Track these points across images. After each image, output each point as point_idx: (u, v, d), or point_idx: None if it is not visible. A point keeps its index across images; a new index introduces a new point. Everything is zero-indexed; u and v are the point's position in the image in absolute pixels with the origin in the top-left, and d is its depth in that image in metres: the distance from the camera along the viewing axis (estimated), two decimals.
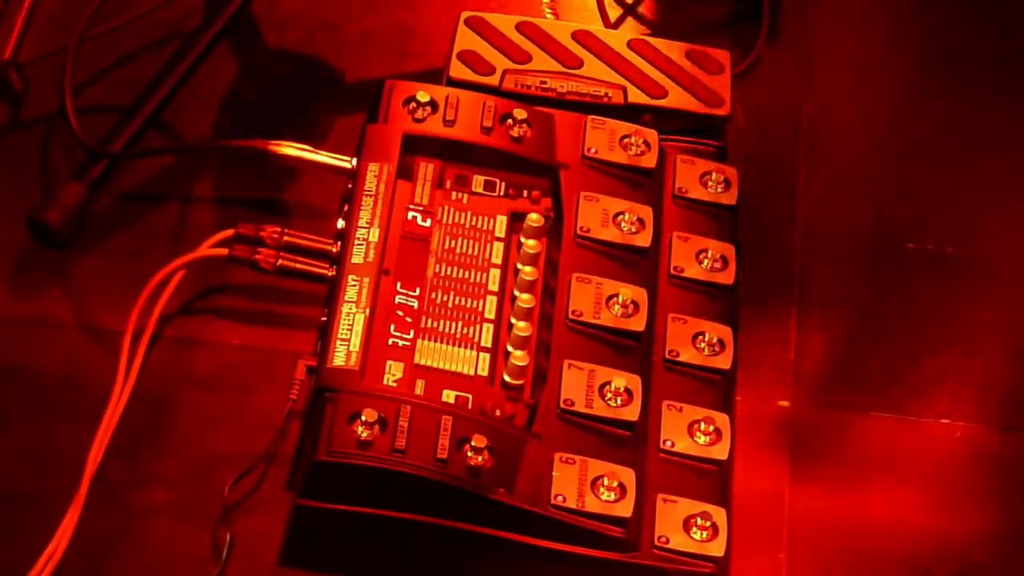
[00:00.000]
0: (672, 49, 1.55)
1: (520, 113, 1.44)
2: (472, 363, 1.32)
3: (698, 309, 1.38)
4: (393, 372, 1.29)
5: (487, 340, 1.33)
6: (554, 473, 1.25)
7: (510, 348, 1.33)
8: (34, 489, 1.32)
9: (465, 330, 1.34)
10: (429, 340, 1.32)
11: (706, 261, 1.39)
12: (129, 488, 1.34)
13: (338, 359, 1.27)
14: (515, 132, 1.43)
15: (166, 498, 1.35)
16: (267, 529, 1.30)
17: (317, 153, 1.45)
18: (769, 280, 1.53)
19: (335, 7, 1.69)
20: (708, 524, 1.24)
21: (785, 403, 1.45)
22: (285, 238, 1.40)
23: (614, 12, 1.66)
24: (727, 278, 1.39)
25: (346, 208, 1.37)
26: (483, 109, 1.44)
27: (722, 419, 1.31)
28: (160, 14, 1.65)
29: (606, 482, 1.25)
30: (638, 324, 1.34)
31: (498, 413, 1.29)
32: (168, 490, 1.35)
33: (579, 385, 1.31)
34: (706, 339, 1.35)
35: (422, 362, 1.31)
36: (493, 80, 1.51)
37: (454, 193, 1.41)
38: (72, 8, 1.64)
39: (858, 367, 1.47)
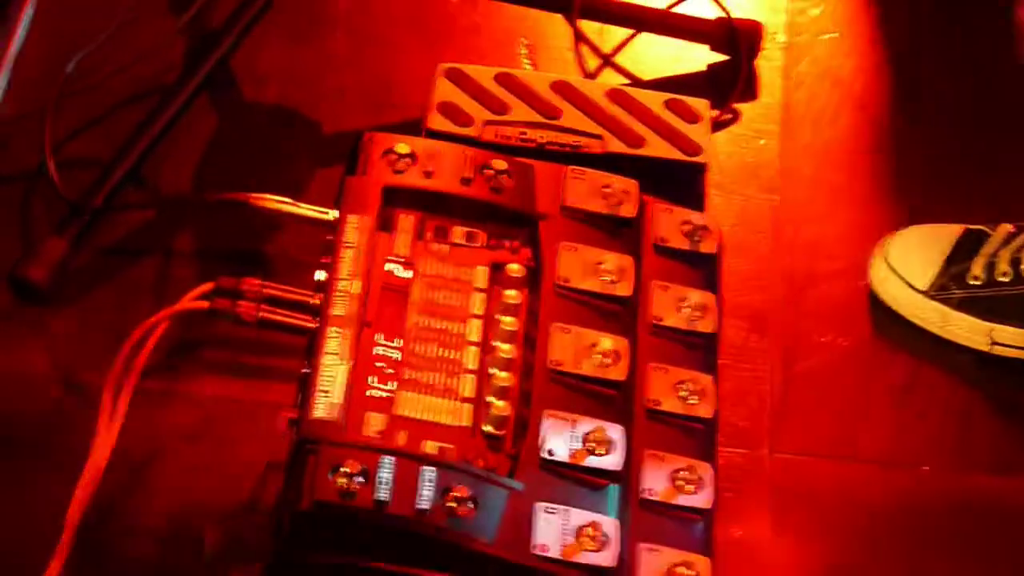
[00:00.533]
0: (650, 99, 1.55)
1: (499, 164, 1.43)
2: (454, 414, 1.31)
3: (679, 358, 1.38)
4: (375, 423, 1.28)
5: (469, 391, 1.32)
6: (536, 523, 1.24)
7: (491, 399, 1.32)
8: (16, 545, 1.31)
9: (447, 381, 1.33)
10: (411, 391, 1.32)
11: (687, 310, 1.39)
12: (112, 541, 1.33)
13: (320, 411, 1.27)
14: (495, 183, 1.43)
15: (150, 551, 1.34)
16: None
17: (297, 206, 1.44)
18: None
19: (312, 61, 1.69)
20: (692, 573, 1.24)
21: (764, 451, 1.46)
22: (266, 290, 1.39)
23: (592, 62, 1.67)
24: (708, 327, 1.39)
25: (327, 260, 1.37)
26: (463, 160, 1.43)
27: (704, 468, 1.31)
28: (138, 68, 1.66)
29: (590, 532, 1.24)
30: (619, 373, 1.34)
31: (480, 463, 1.28)
32: (152, 542, 1.35)
33: (561, 435, 1.30)
34: (688, 388, 1.34)
35: (404, 413, 1.30)
36: (472, 131, 1.51)
37: (434, 244, 1.40)
38: (51, 61, 1.64)
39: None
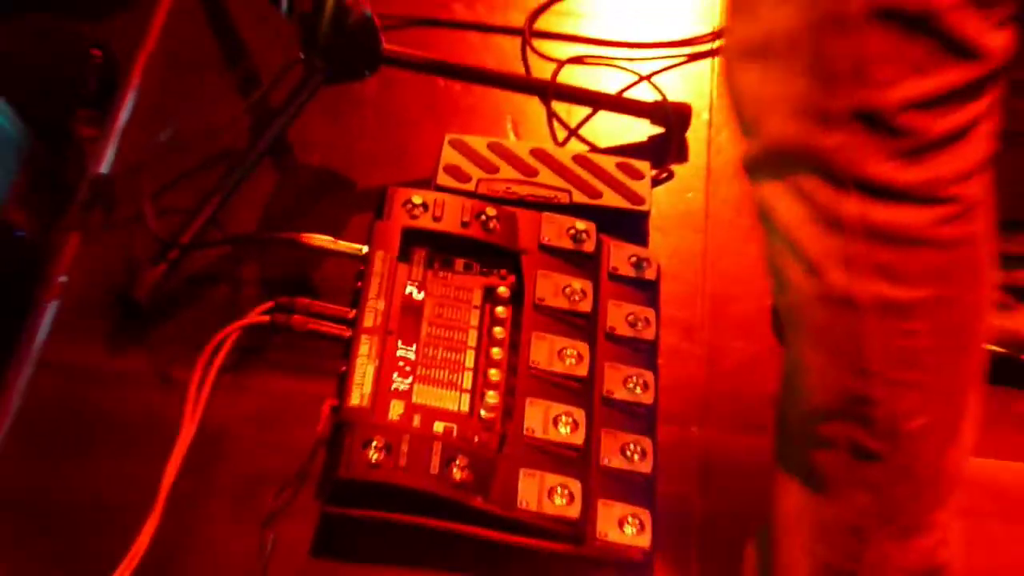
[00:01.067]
0: (605, 161, 1.54)
1: (491, 211, 1.44)
2: (456, 401, 1.32)
3: (628, 358, 1.38)
4: (396, 409, 1.29)
5: (468, 384, 1.33)
6: (519, 484, 1.25)
7: (485, 390, 1.33)
8: (121, 502, 1.30)
9: (451, 376, 1.34)
10: (423, 384, 1.33)
11: (634, 322, 1.39)
12: (195, 501, 1.33)
13: (354, 400, 1.28)
14: (487, 226, 1.43)
15: (223, 508, 1.33)
16: (302, 530, 1.29)
17: (336, 243, 1.44)
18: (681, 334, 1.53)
19: (348, 133, 1.67)
20: (638, 522, 1.25)
21: (694, 429, 1.44)
22: (313, 308, 1.39)
23: (561, 134, 1.65)
24: (650, 335, 1.39)
25: (359, 284, 1.37)
26: (462, 209, 1.44)
27: (647, 442, 1.31)
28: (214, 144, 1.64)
29: (559, 491, 1.25)
30: (583, 371, 1.35)
31: (476, 440, 1.29)
32: (224, 502, 1.34)
33: (538, 417, 1.31)
34: (634, 381, 1.35)
35: (418, 401, 1.31)
36: (470, 186, 1.50)
37: (441, 272, 1.41)
38: (148, 130, 1.63)
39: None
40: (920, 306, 1.00)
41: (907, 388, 1.03)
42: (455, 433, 1.29)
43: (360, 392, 1.29)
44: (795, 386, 1.09)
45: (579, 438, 1.29)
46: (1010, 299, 1.39)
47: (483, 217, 1.43)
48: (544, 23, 1.77)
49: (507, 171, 1.52)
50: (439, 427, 1.29)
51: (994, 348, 1.35)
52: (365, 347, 1.32)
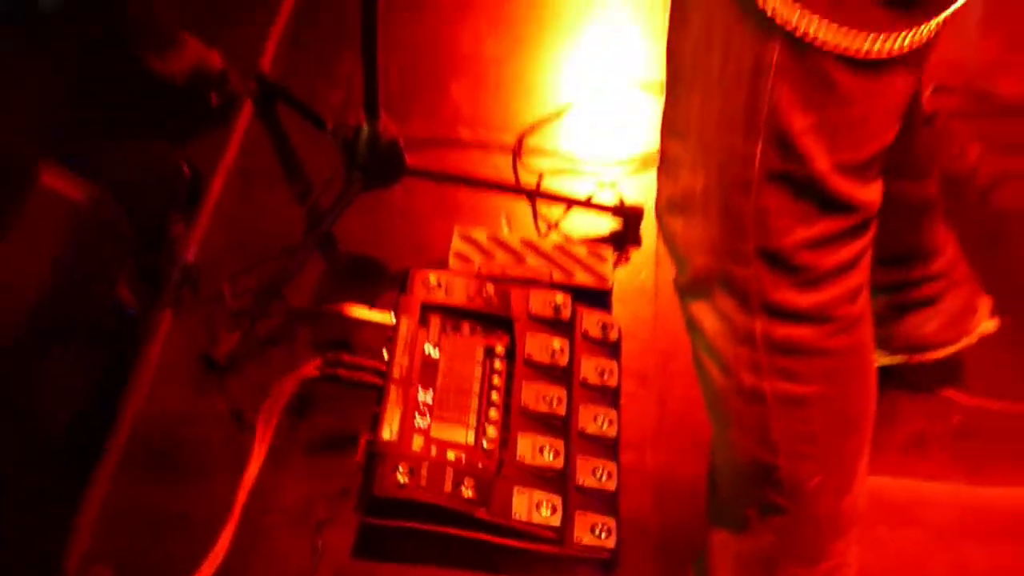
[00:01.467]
0: (578, 248, 1.54)
1: (490, 288, 1.44)
2: (465, 435, 1.32)
3: (597, 400, 1.37)
4: (418, 442, 1.29)
5: (473, 422, 1.33)
6: (513, 500, 1.25)
7: (487, 426, 1.33)
8: (205, 516, 1.28)
9: (460, 416, 1.33)
10: (439, 422, 1.32)
11: (601, 372, 1.39)
12: (262, 514, 1.30)
13: (385, 435, 1.29)
14: (487, 299, 1.43)
15: (284, 519, 1.31)
16: (345, 537, 1.28)
17: (371, 313, 1.44)
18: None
19: (378, 228, 1.61)
20: (606, 529, 1.25)
21: (648, 455, 1.39)
22: (353, 363, 1.38)
23: (543, 227, 1.62)
24: (614, 383, 1.39)
25: (389, 345, 1.37)
26: (468, 286, 1.44)
27: (612, 466, 1.31)
28: (276, 238, 1.58)
29: (545, 504, 1.25)
30: (562, 411, 1.35)
31: (480, 465, 1.29)
32: (285, 515, 1.31)
33: (528, 447, 1.30)
34: (602, 419, 1.34)
35: (435, 435, 1.31)
36: (474, 269, 1.50)
37: (452, 335, 1.41)
38: (225, 226, 1.60)
39: None
40: (813, 399, 0.99)
41: (805, 458, 1.02)
42: (464, 460, 1.28)
43: (390, 429, 1.29)
44: (720, 456, 1.08)
45: (560, 463, 1.29)
46: (895, 312, 1.35)
47: (484, 293, 1.43)
48: (530, 141, 1.75)
49: (502, 257, 1.52)
50: (451, 455, 1.29)
51: (889, 357, 1.34)
52: (394, 394, 1.32)
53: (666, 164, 0.97)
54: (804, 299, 0.94)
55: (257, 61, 1.78)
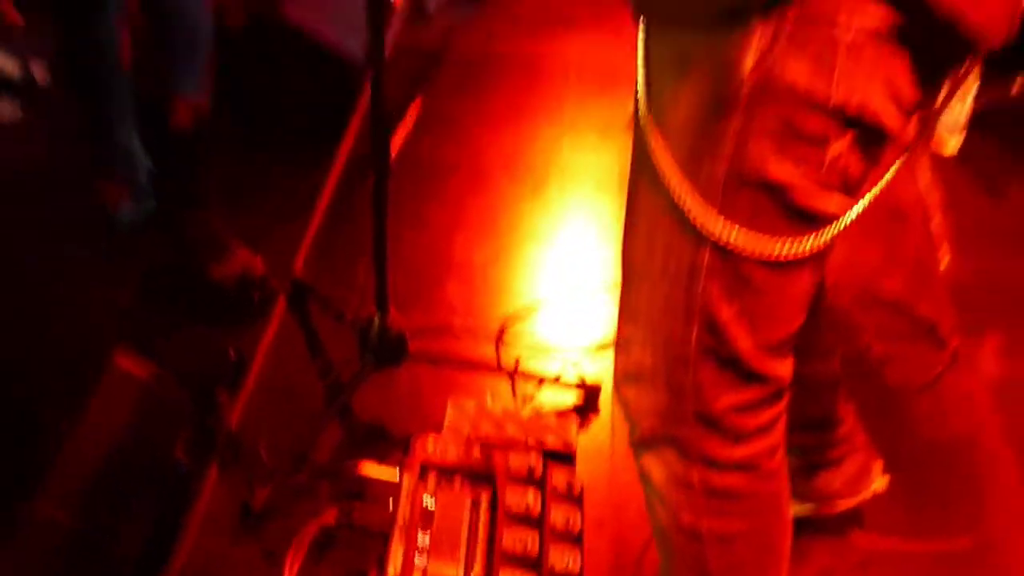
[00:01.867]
0: (548, 417, 1.60)
1: (477, 450, 1.47)
2: (456, 573, 1.35)
3: (563, 543, 1.39)
4: None
5: (463, 560, 1.36)
6: None
7: (474, 564, 1.36)
8: None
9: (452, 554, 1.37)
10: (435, 561, 1.36)
11: (567, 520, 1.41)
12: None
13: (390, 573, 1.33)
14: (475, 458, 1.47)
15: None
16: None
17: (380, 469, 1.50)
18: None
19: (387, 397, 1.65)
20: None
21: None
22: (364, 512, 1.43)
23: (519, 398, 1.67)
24: (577, 528, 1.43)
25: (394, 497, 1.43)
26: (459, 448, 1.49)
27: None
28: (304, 404, 1.63)
29: None
30: (535, 552, 1.38)
31: None
32: None
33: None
34: (568, 558, 1.37)
35: (431, 573, 1.34)
36: (463, 433, 1.54)
37: (446, 488, 1.45)
38: (261, 398, 1.65)
39: None
40: (742, 535, 1.05)
41: None
42: None
43: (394, 568, 1.33)
44: None
45: None
46: (806, 471, 1.39)
47: (472, 454, 1.49)
48: (510, 331, 1.81)
49: (487, 425, 1.57)
50: None
51: (802, 506, 1.38)
52: (397, 538, 1.36)
53: (621, 342, 1.03)
54: (734, 453, 1.00)
55: (291, 266, 1.90)
